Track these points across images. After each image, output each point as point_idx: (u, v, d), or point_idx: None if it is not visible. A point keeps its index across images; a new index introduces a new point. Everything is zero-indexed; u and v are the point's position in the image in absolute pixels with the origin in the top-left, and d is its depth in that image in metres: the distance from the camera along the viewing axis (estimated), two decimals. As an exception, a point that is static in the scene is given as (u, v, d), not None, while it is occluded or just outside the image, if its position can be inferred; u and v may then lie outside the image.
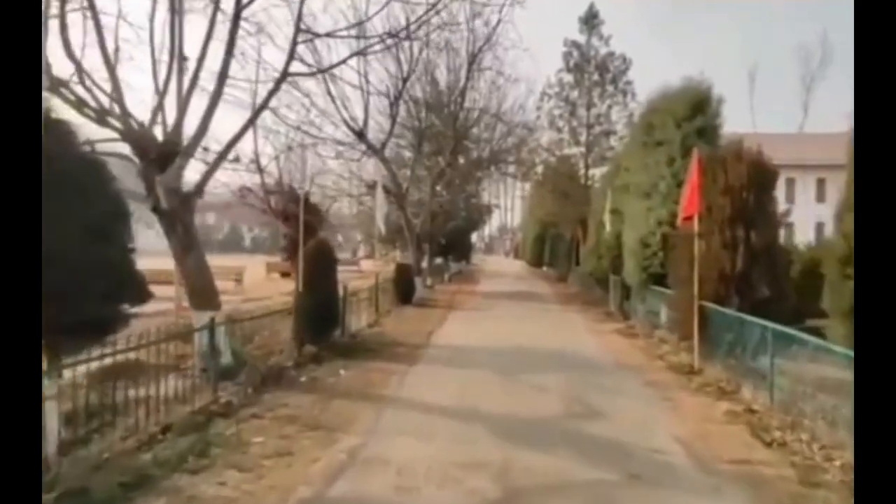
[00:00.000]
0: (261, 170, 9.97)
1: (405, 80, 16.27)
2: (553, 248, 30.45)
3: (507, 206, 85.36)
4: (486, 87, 19.62)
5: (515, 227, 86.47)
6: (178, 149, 7.06)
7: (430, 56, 17.19)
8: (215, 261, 27.62)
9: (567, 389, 6.78)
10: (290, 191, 9.55)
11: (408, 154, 20.60)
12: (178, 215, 7.09)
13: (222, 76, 7.07)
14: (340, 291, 10.22)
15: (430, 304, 16.45)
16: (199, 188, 7.41)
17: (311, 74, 8.30)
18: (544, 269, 37.20)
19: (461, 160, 23.43)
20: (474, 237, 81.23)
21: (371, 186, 16.79)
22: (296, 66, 7.90)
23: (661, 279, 10.64)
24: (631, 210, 11.98)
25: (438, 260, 27.51)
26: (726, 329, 7.49)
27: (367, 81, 14.41)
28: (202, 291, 7.27)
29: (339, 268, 31.14)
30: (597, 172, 22.70)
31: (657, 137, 11.44)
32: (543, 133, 23.05)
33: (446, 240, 25.27)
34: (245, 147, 10.49)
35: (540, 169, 23.22)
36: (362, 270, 28.52)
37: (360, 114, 16.02)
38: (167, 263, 8.68)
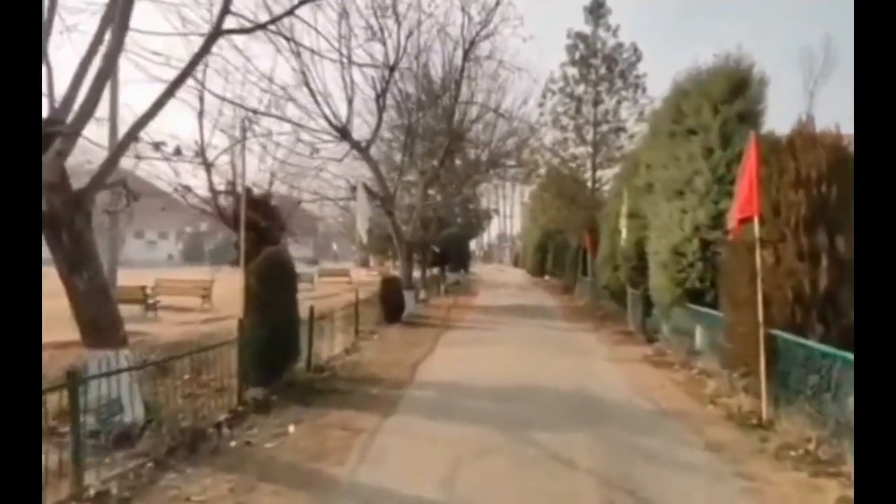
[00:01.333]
0: (207, 165, 8.00)
1: (392, 69, 14.41)
2: (556, 257, 28.52)
3: (507, 212, 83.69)
4: (485, 81, 17.82)
5: (515, 235, 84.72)
6: (61, 130, 5.12)
7: (420, 43, 15.34)
8: (183, 274, 25.43)
9: (603, 461, 4.80)
10: (248, 192, 7.56)
11: (399, 156, 18.71)
12: (60, 220, 5.15)
13: (120, 30, 5.15)
14: (309, 314, 8.31)
15: (422, 321, 14.46)
16: (96, 184, 5.47)
17: (249, 31, 6.39)
18: (546, 278, 35.29)
19: (458, 162, 21.60)
20: (473, 245, 79.54)
21: (355, 189, 14.87)
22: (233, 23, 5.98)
23: (698, 296, 8.71)
24: (658, 213, 10.05)
25: (433, 270, 25.57)
26: (807, 367, 5.55)
27: (349, 61, 12.49)
28: (97, 323, 5.31)
29: (328, 279, 29.02)
30: (605, 174, 20.83)
31: (689, 125, 9.54)
32: (547, 132, 21.20)
33: (442, 248, 23.32)
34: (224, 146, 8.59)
35: (543, 171, 21.31)
36: (352, 281, 26.57)
37: (346, 112, 14.22)
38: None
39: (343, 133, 14.68)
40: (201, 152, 8.11)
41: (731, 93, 9.09)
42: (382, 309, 13.67)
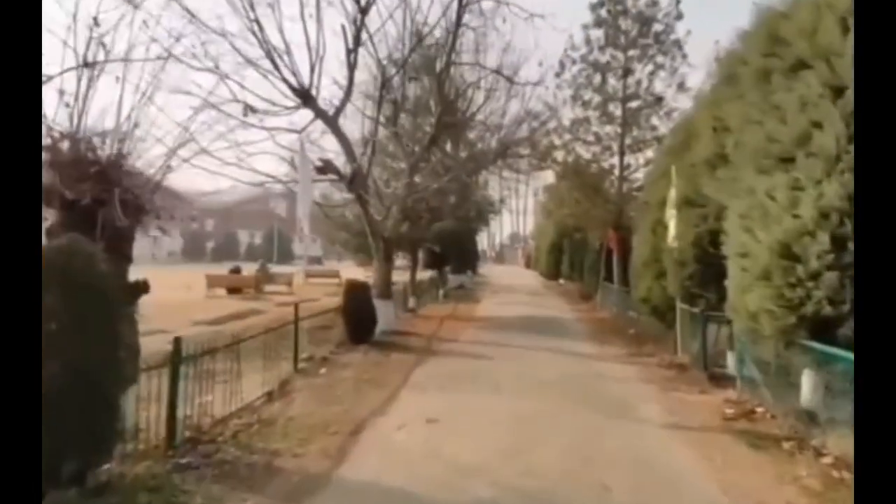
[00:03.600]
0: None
1: (364, 11, 11.02)
2: (574, 258, 24.88)
3: (520, 207, 80.00)
4: (490, 38, 14.32)
5: (528, 234, 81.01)
6: None
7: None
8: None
9: None
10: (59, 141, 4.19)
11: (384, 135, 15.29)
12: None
13: None
14: (173, 348, 4.97)
15: (400, 341, 11.03)
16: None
17: None
18: (561, 282, 31.68)
19: (454, 148, 18.15)
20: (484, 244, 75.74)
21: (322, 169, 11.52)
22: None
23: (826, 327, 5.18)
24: (743, 194, 6.50)
25: (431, 272, 22.16)
26: None
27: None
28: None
29: (315, 280, 25.54)
30: (636, 160, 17.23)
31: (796, 54, 6.02)
32: (565, 110, 17.63)
33: (441, 247, 19.92)
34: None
35: (560, 155, 17.74)
36: (342, 283, 23.12)
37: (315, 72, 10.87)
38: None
39: (304, 97, 11.35)
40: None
41: None
42: (345, 325, 10.30)
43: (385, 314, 12.05)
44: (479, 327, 13.73)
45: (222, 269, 25.06)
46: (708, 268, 8.22)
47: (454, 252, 24.01)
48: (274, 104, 11.13)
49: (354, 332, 10.24)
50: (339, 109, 12.03)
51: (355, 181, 11.51)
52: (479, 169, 18.58)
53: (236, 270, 18.44)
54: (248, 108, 9.23)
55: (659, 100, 15.85)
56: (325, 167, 11.29)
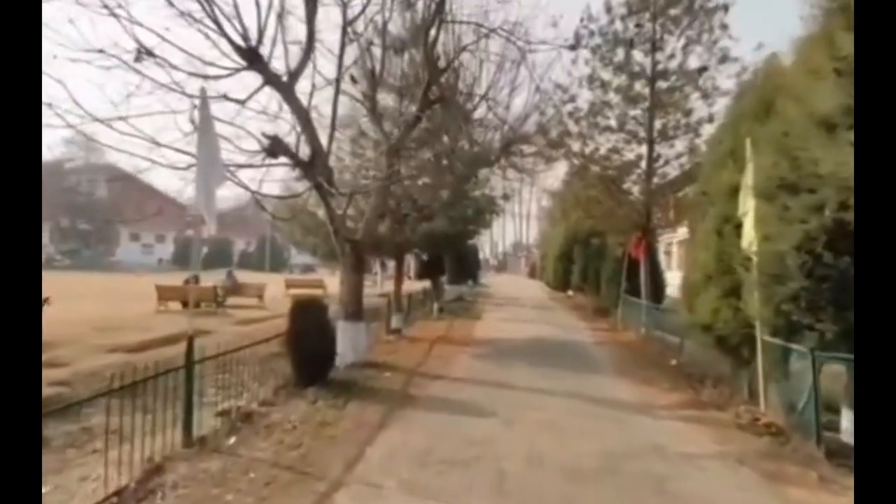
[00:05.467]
0: None
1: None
2: (587, 267, 21.92)
3: (523, 213, 77.13)
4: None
5: (531, 243, 78.20)
6: None
7: None
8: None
9: None
10: None
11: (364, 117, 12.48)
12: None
13: None
14: None
15: (366, 381, 8.09)
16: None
17: None
18: (570, 293, 28.78)
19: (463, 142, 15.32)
20: (486, 251, 72.74)
21: (270, 150, 8.68)
22: None
23: None
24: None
25: (422, 283, 19.31)
26: None
27: None
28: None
29: (297, 290, 22.73)
30: (665, 152, 14.36)
31: None
32: (580, 91, 14.81)
33: (433, 253, 17.06)
34: None
35: (576, 145, 14.86)
36: (328, 292, 20.23)
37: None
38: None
39: (250, 57, 8.59)
40: None
41: None
42: (290, 361, 7.42)
43: (353, 340, 9.18)
44: (476, 355, 10.82)
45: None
46: (823, 284, 5.37)
47: (451, 259, 21.14)
48: (207, 63, 8.39)
49: (302, 370, 7.37)
50: (295, 73, 9.23)
51: (314, 165, 8.70)
52: (479, 166, 15.77)
53: (193, 280, 15.65)
54: (142, 51, 6.42)
55: (702, 70, 12.95)
56: (273, 146, 8.47)
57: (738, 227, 7.00)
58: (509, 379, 8.58)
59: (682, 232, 21.91)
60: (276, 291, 22.46)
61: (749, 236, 6.68)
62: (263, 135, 8.41)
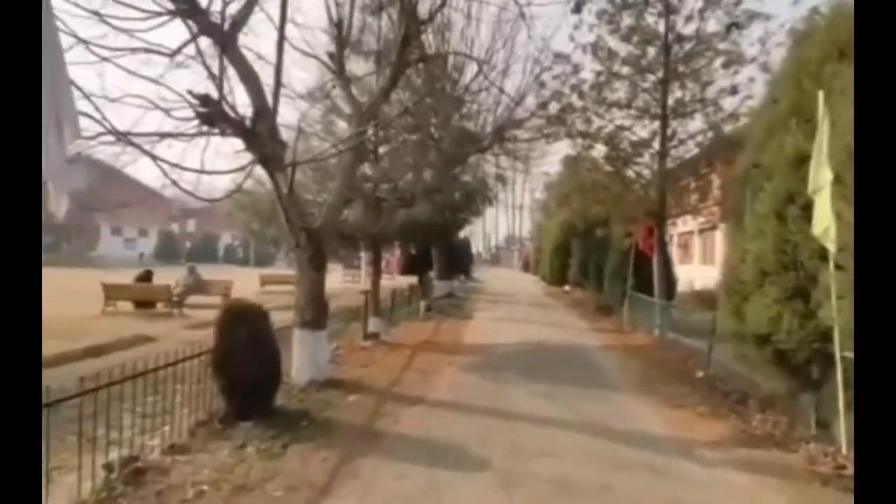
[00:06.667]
0: None
1: None
2: (587, 261, 20.23)
3: (516, 203, 75.39)
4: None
5: (525, 236, 76.59)
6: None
7: None
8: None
9: None
10: None
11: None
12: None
13: None
14: None
15: (322, 410, 6.26)
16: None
17: None
18: (566, 288, 27.16)
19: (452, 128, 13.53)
20: (479, 245, 70.97)
21: (205, 115, 6.84)
22: None
23: None
24: None
25: (409, 278, 17.53)
26: None
27: None
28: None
29: (273, 287, 20.53)
30: (682, 129, 12.65)
31: None
32: (582, 63, 13.04)
33: (418, 245, 15.27)
34: None
35: (579, 123, 13.09)
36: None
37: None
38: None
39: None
40: None
41: None
42: (218, 387, 5.65)
43: (313, 353, 7.40)
44: (465, 367, 9.07)
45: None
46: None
47: (441, 253, 19.37)
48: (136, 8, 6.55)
49: (234, 400, 5.59)
50: (237, 23, 7.41)
51: (258, 133, 6.88)
52: (469, 145, 14.00)
53: (145, 277, 13.79)
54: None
55: (731, 27, 11.13)
56: (206, 107, 6.63)
57: (806, 208, 5.31)
58: (505, 402, 6.85)
59: (690, 223, 20.27)
60: (251, 289, 20.62)
61: (825, 220, 4.99)
62: (190, 93, 6.57)
